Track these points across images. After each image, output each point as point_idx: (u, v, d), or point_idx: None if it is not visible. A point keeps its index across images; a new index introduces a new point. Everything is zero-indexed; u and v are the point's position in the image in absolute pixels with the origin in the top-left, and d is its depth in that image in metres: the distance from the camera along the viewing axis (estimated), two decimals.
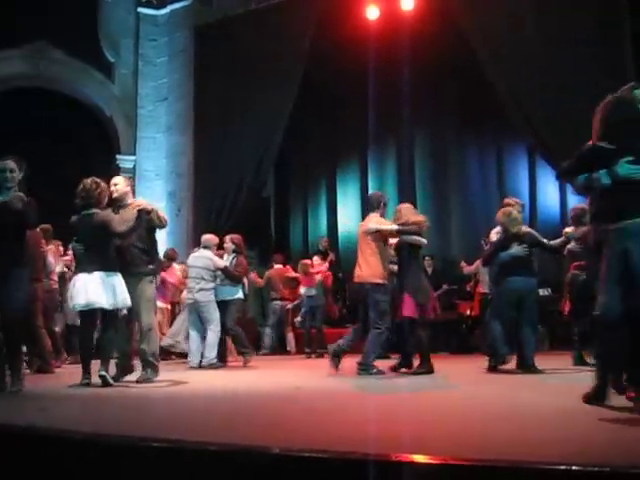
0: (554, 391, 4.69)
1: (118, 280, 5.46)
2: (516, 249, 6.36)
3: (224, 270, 8.08)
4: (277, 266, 10.67)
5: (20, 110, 11.88)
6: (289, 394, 4.88)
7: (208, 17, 13.41)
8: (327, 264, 10.67)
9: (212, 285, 8.02)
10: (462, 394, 4.75)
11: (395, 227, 6.48)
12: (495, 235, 6.93)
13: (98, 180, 5.64)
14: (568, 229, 6.82)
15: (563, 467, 1.91)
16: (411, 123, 13.00)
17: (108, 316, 5.55)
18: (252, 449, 2.44)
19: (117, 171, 13.47)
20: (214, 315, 7.93)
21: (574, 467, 1.90)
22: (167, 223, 6.04)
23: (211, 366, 7.67)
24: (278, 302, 10.39)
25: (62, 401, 4.66)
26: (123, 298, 5.46)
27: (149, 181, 13.30)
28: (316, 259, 10.53)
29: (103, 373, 5.30)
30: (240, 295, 8.31)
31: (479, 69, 10.53)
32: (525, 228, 6.80)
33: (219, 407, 4.26)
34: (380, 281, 6.37)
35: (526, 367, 6.29)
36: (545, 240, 6.79)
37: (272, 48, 12.02)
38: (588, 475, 1.89)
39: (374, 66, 12.33)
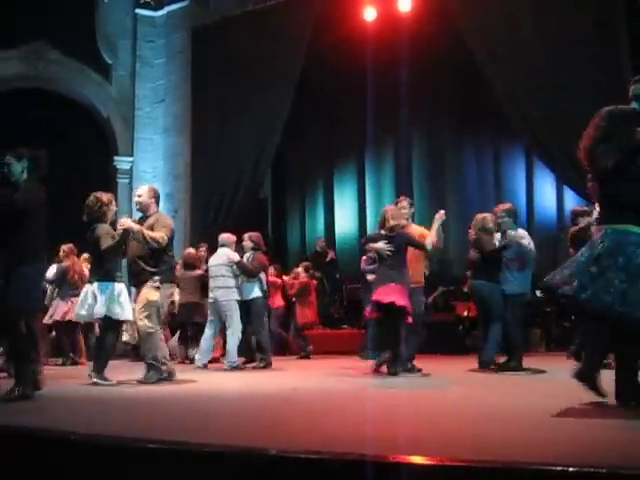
0: (549, 392, 4.69)
1: (109, 291, 5.82)
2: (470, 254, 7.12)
3: (238, 263, 7.99)
4: None
5: (17, 111, 11.87)
6: (286, 395, 4.88)
7: (205, 18, 13.41)
8: (304, 274, 10.75)
9: (233, 283, 7.93)
10: (457, 395, 4.76)
11: None
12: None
13: (99, 195, 6.00)
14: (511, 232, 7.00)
15: (559, 468, 1.92)
16: (408, 124, 13.01)
17: (108, 323, 5.93)
18: (250, 450, 2.44)
19: (114, 172, 13.50)
20: (235, 318, 7.84)
21: (570, 468, 1.91)
22: (162, 240, 5.89)
23: (233, 368, 7.65)
24: None
25: (57, 401, 4.66)
26: (97, 311, 5.83)
27: (146, 182, 13.25)
28: (300, 269, 10.68)
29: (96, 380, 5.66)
30: (257, 293, 8.13)
31: (476, 70, 10.53)
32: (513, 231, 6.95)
33: (217, 408, 4.26)
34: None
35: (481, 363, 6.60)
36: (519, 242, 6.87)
37: (269, 49, 12.02)
38: (584, 476, 1.90)
39: (372, 67, 12.33)
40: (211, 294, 8.01)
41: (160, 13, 14.02)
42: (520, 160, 12.37)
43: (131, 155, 13.60)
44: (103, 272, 5.89)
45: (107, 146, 13.77)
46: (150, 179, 13.42)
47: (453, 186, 12.79)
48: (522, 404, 4.02)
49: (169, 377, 6.01)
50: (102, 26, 13.56)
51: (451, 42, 11.04)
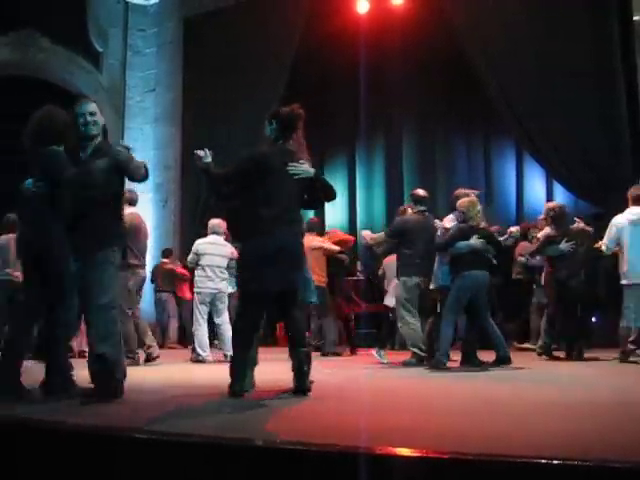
0: (535, 384, 4.72)
1: None
2: None
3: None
4: (163, 260, 11.61)
5: (6, 98, 11.77)
6: (271, 386, 4.86)
7: (197, 8, 13.34)
8: None
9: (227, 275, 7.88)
10: (448, 387, 4.78)
11: None
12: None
13: None
14: (513, 228, 7.03)
15: (544, 461, 1.93)
16: (399, 117, 13.02)
17: None
18: (235, 441, 2.45)
19: None
20: (226, 310, 7.85)
21: (555, 461, 1.92)
22: None
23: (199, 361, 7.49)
24: (161, 294, 11.45)
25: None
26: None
27: None
28: None
29: None
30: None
31: (468, 64, 10.55)
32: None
33: (205, 399, 4.25)
34: None
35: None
36: None
37: (261, 40, 11.98)
38: (568, 469, 1.91)
39: (364, 59, 12.29)
40: (211, 284, 7.68)
41: (152, 2, 13.91)
42: (510, 155, 12.38)
43: None
44: None
45: None
46: None
47: (443, 181, 12.77)
48: (508, 396, 4.04)
49: None
50: (93, 14, 13.44)
51: (443, 35, 11.04)
